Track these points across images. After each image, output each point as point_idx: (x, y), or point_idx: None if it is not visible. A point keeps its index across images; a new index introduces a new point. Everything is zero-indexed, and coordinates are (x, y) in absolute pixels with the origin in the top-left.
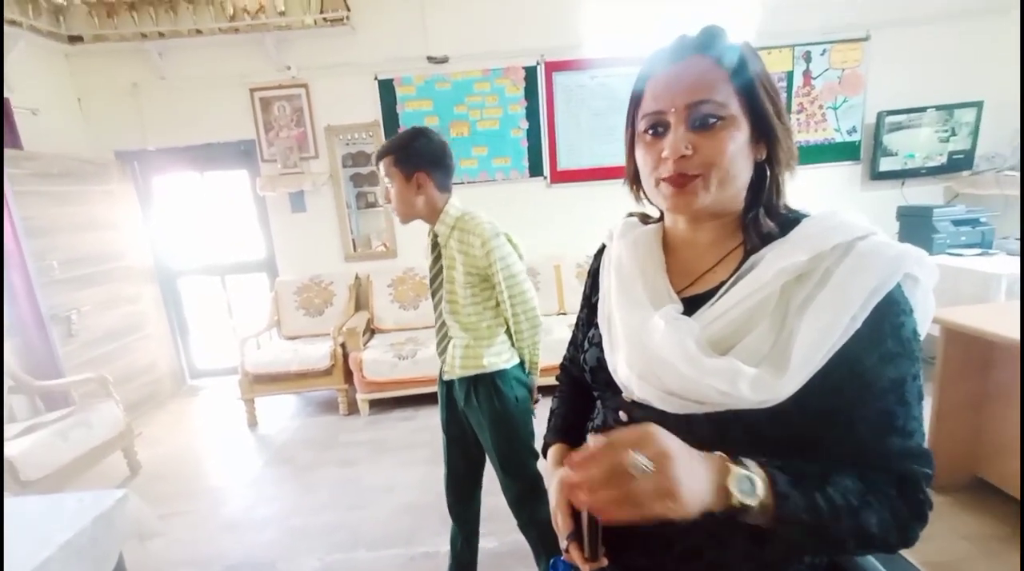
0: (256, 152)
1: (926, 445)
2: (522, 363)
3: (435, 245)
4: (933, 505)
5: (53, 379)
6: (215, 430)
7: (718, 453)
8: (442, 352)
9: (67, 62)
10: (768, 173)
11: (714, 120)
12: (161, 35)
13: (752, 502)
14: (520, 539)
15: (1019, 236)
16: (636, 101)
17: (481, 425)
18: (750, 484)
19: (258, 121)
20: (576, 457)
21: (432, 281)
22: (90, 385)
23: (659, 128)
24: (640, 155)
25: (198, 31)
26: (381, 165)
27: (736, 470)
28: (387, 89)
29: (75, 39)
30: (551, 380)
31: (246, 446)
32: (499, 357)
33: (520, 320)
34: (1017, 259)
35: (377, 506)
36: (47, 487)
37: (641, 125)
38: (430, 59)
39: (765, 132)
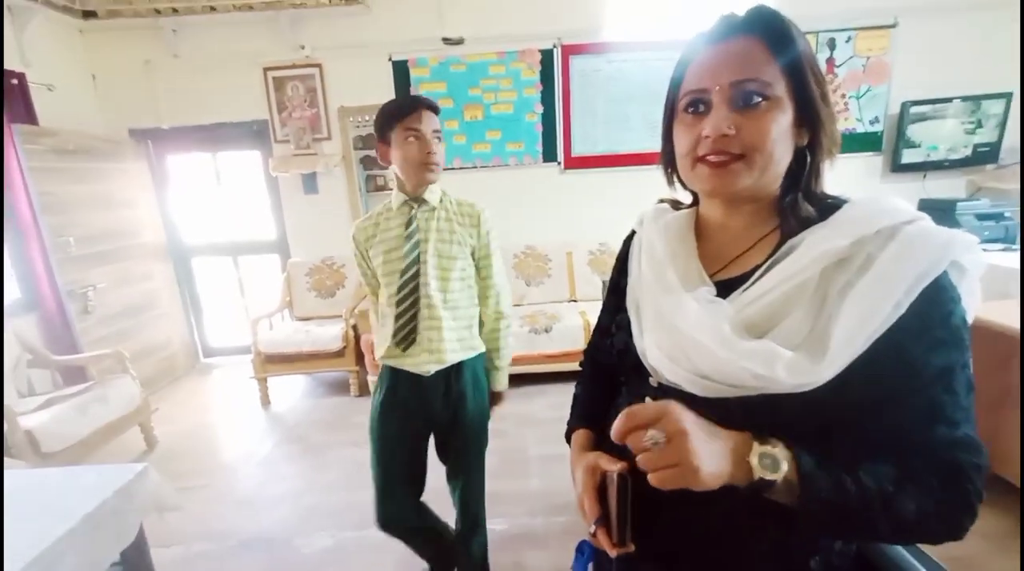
0: (269, 132)
1: (975, 436)
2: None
3: (410, 220)
4: (983, 497)
5: (70, 354)
6: (229, 408)
7: (746, 432)
8: (405, 336)
9: (81, 38)
10: (808, 159)
11: (759, 99)
12: (175, 11)
13: (775, 476)
14: (531, 522)
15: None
16: (677, 83)
17: (461, 421)
18: (773, 460)
19: (271, 101)
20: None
21: (407, 254)
22: (107, 361)
23: (700, 106)
24: (678, 134)
25: (212, 8)
26: (437, 119)
27: (759, 447)
28: (401, 70)
29: (89, 14)
30: (561, 365)
31: (259, 425)
32: (478, 339)
33: (499, 291)
34: None
35: None
36: (66, 460)
37: (681, 103)
38: (445, 40)
39: (810, 117)
